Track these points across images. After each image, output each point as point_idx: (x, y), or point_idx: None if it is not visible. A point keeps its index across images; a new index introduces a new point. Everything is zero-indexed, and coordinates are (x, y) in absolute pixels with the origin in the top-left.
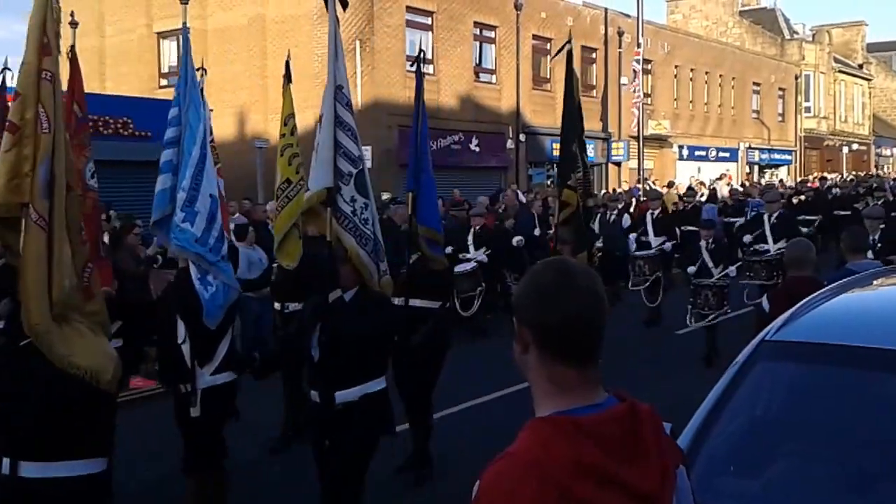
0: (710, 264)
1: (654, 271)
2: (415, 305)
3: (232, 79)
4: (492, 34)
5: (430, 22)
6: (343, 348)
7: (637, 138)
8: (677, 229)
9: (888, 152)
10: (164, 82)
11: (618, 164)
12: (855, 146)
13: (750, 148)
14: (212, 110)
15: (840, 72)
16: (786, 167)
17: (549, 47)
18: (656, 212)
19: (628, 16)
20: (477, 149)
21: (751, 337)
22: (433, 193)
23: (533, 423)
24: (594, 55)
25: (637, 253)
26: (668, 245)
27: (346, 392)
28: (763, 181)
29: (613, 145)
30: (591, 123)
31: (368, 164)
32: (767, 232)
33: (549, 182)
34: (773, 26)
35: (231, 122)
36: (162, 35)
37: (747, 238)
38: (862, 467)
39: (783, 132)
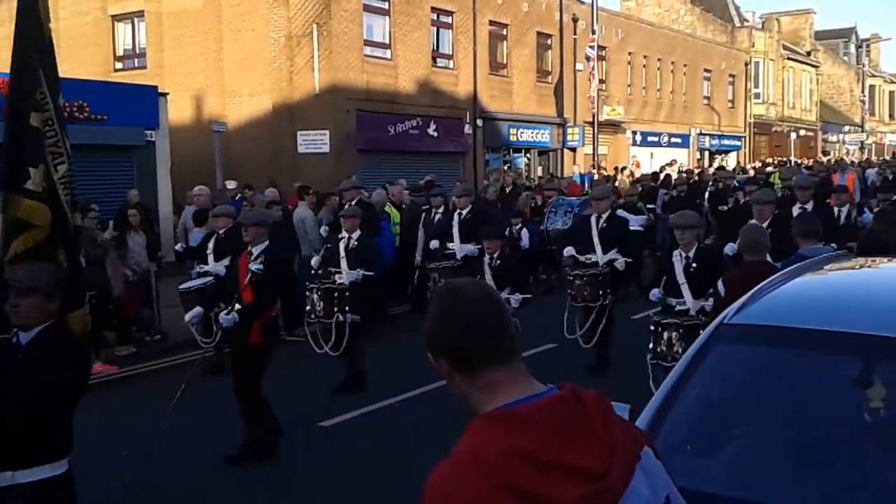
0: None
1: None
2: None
3: (188, 62)
4: (448, 19)
5: (387, 6)
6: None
7: (592, 124)
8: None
9: (835, 138)
10: (119, 65)
11: (573, 149)
12: (802, 132)
13: (701, 134)
14: (168, 94)
15: (789, 59)
16: (735, 153)
17: (505, 33)
18: (464, 211)
19: (583, 2)
20: (435, 134)
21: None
22: None
23: (472, 423)
24: (549, 41)
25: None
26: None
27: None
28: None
29: (569, 130)
30: (547, 108)
31: (326, 148)
32: (595, 240)
33: (505, 167)
34: (724, 14)
35: (187, 105)
36: (117, 18)
37: (569, 250)
38: (815, 447)
39: (733, 118)
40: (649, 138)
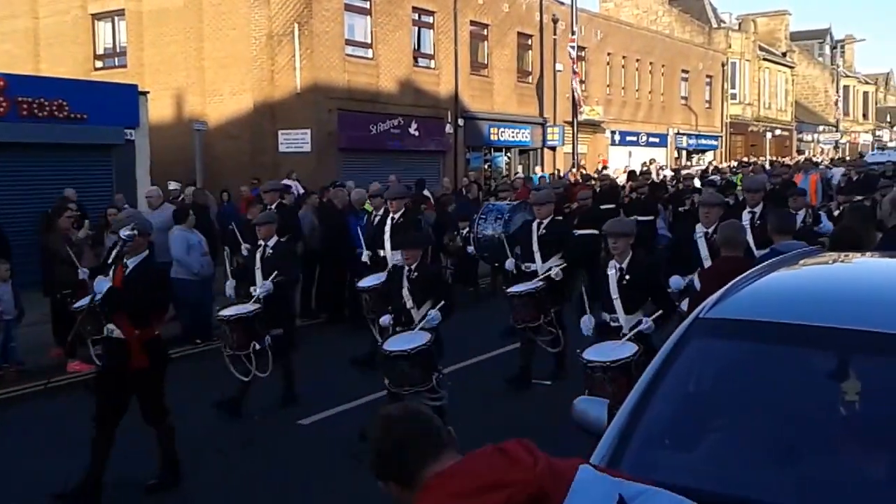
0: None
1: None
2: None
3: (169, 60)
4: (430, 19)
5: (368, 6)
6: None
7: (571, 123)
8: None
9: (809, 137)
10: (99, 64)
11: (553, 148)
12: (778, 132)
13: (678, 133)
14: (148, 92)
15: (765, 59)
16: (712, 152)
17: (486, 33)
18: (397, 215)
19: (563, 3)
20: (416, 133)
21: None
22: None
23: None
24: (530, 41)
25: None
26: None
27: None
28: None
29: (549, 130)
30: (528, 108)
31: (308, 147)
32: (535, 247)
33: (486, 166)
34: (702, 15)
35: (168, 104)
36: (97, 16)
37: (509, 263)
38: (791, 440)
39: (710, 118)
40: (628, 138)
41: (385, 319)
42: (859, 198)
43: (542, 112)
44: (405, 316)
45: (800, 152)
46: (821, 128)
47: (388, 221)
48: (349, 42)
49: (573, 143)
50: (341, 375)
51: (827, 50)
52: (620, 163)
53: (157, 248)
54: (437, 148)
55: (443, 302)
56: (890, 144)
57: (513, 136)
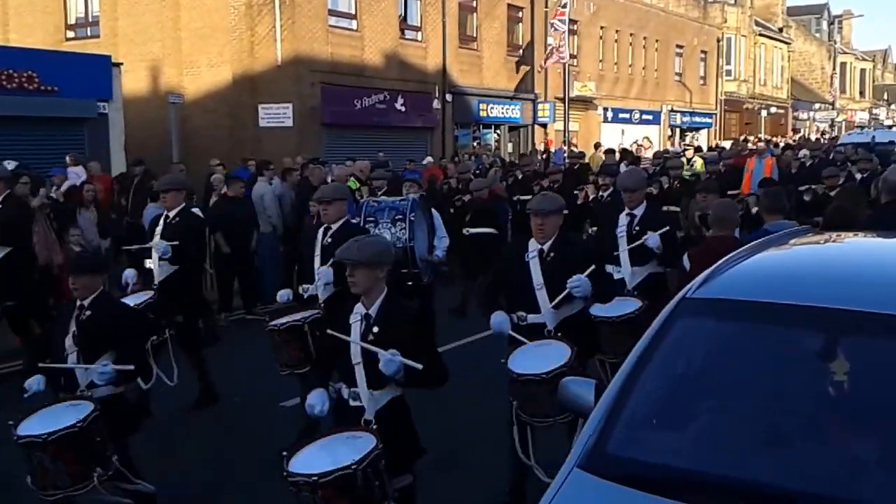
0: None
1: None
2: None
3: (143, 30)
4: None
5: None
6: None
7: (563, 99)
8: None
9: (805, 115)
10: (70, 34)
11: (544, 125)
12: (773, 109)
13: (672, 111)
14: (122, 64)
15: (761, 35)
16: (706, 130)
17: (475, 4)
18: (335, 226)
19: None
20: (403, 108)
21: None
22: None
23: None
24: (520, 14)
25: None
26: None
27: None
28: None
29: (539, 106)
30: (519, 84)
31: (289, 122)
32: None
33: (474, 143)
34: None
35: (143, 76)
36: None
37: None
38: (779, 421)
39: (704, 95)
40: (620, 115)
41: None
42: (803, 188)
43: (533, 88)
44: None
45: (795, 131)
46: (817, 105)
47: (321, 233)
48: (332, 12)
49: (564, 120)
50: None
51: (824, 25)
52: (613, 140)
53: None
54: (424, 124)
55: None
56: (886, 122)
57: (502, 113)
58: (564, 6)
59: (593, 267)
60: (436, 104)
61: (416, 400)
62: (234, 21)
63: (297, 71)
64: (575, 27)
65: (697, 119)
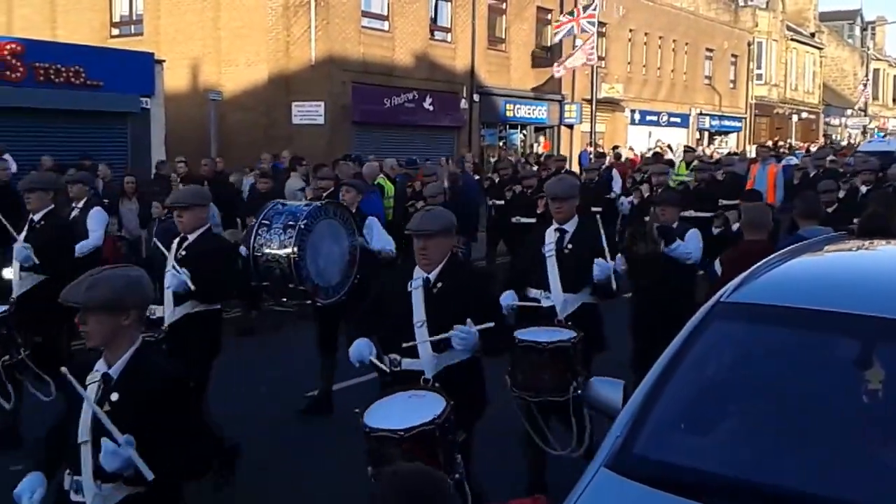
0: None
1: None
2: None
3: (184, 29)
4: None
5: None
6: None
7: (590, 101)
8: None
9: (837, 121)
10: (115, 31)
11: (570, 126)
12: (804, 114)
13: (701, 114)
14: (164, 61)
15: (792, 40)
16: (735, 134)
17: (504, 7)
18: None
19: None
20: (431, 108)
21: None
22: None
23: None
24: (549, 16)
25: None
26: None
27: None
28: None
29: (566, 107)
30: (547, 84)
31: (321, 120)
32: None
33: (500, 143)
34: None
35: (184, 73)
36: None
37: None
38: (811, 427)
39: (734, 99)
40: (648, 117)
41: None
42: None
43: (561, 89)
44: None
45: (826, 136)
46: (849, 112)
47: None
48: (365, 14)
49: (591, 122)
50: None
51: (857, 31)
52: (640, 143)
53: None
54: (451, 123)
55: None
56: None
57: (529, 113)
58: (594, 8)
59: (491, 325)
60: (463, 104)
61: None
62: (272, 21)
63: (330, 70)
64: (603, 29)
65: (727, 123)
